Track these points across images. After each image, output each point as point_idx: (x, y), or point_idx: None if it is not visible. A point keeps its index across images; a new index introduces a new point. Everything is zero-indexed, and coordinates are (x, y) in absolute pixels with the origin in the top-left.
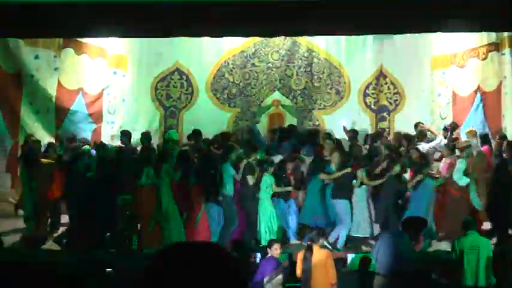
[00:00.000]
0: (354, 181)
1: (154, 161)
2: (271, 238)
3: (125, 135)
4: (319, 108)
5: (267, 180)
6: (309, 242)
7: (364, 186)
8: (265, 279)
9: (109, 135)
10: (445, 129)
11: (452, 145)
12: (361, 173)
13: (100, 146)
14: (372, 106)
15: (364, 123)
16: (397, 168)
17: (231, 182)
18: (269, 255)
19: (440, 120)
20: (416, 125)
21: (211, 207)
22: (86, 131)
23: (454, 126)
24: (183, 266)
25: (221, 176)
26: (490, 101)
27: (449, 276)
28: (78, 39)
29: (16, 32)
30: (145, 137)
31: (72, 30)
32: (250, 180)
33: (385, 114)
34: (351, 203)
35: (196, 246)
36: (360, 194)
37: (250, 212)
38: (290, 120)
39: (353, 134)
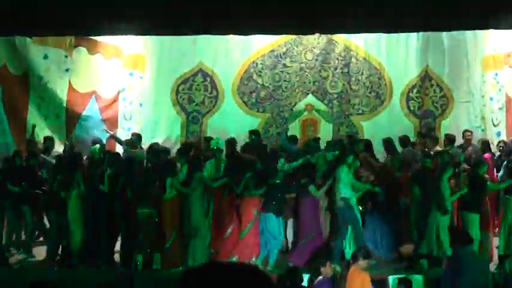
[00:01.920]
0: None
1: (186, 171)
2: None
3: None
4: (357, 114)
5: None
6: (350, 260)
7: None
8: None
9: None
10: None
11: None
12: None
13: (114, 156)
14: (416, 111)
15: (406, 130)
16: None
17: (348, 186)
18: (322, 276)
19: (493, 126)
20: (463, 133)
21: (268, 218)
22: None
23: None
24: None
25: (335, 180)
26: None
27: None
28: (91, 37)
29: (23, 29)
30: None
31: (84, 28)
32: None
33: (430, 119)
34: None
35: (231, 268)
36: None
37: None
38: (325, 126)
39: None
